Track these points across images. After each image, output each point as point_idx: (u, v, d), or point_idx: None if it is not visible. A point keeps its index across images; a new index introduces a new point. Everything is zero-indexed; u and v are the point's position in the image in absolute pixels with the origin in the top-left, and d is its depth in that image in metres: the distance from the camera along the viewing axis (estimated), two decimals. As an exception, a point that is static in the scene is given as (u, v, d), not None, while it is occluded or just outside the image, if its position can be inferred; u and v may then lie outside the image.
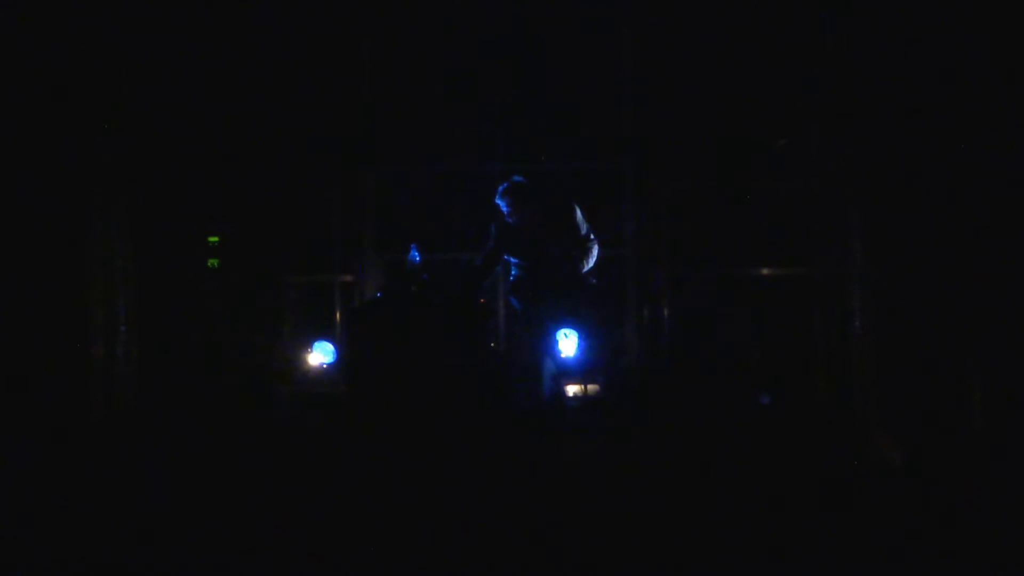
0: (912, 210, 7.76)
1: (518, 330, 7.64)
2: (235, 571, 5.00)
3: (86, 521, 5.62)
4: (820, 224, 8.38)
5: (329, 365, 8.16)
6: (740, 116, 8.50)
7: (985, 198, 7.42)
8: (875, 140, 7.92)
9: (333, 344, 8.22)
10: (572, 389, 7.60)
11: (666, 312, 8.59)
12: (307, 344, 8.28)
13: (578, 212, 7.37)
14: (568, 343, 7.33)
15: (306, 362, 8.26)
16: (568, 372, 7.47)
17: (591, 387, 7.66)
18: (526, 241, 7.36)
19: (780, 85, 8.45)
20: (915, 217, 7.75)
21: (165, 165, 8.21)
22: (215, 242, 8.69)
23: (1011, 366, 7.18)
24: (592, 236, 7.43)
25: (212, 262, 8.70)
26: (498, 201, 7.35)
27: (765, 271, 8.57)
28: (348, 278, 8.74)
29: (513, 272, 7.56)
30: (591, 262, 7.43)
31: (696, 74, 8.54)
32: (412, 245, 7.33)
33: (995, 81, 7.37)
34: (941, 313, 7.56)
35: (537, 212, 7.33)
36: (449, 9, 8.67)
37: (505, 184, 7.36)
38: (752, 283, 8.59)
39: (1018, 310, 7.23)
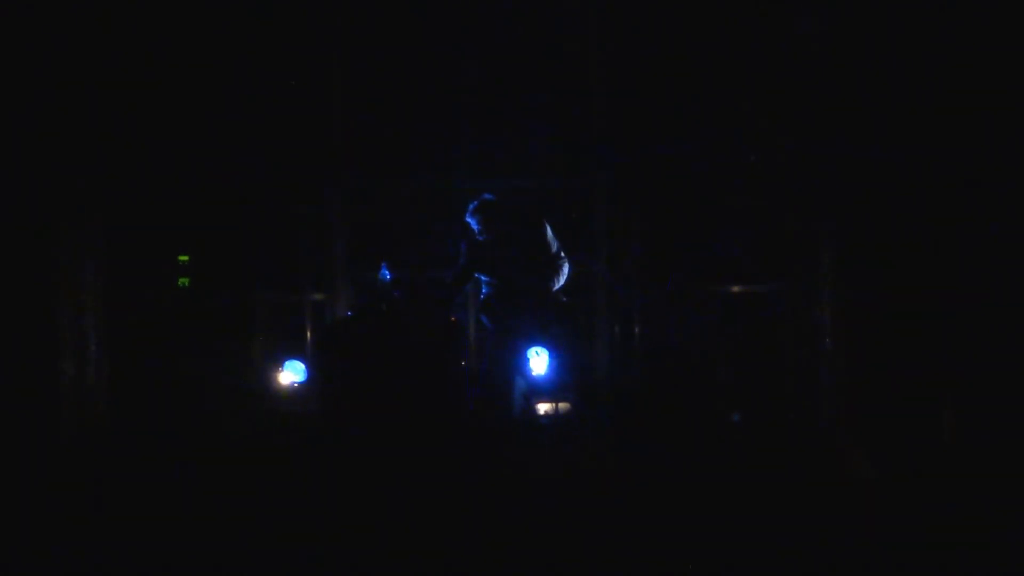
0: (882, 227, 7.80)
1: (489, 348, 7.64)
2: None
3: (55, 538, 5.59)
4: (790, 241, 8.40)
5: (300, 384, 8.13)
6: (710, 133, 8.52)
7: (956, 216, 7.47)
8: (845, 157, 7.96)
9: (304, 363, 8.19)
10: (543, 407, 7.59)
11: (637, 329, 8.60)
12: (278, 363, 8.24)
13: (548, 230, 7.38)
14: (539, 361, 7.35)
15: (277, 381, 8.23)
16: (539, 390, 7.48)
17: (562, 405, 7.65)
18: (497, 259, 7.37)
19: (750, 102, 8.47)
20: (885, 233, 7.79)
21: (135, 184, 8.18)
22: (185, 261, 8.66)
23: (981, 380, 7.22)
24: (562, 254, 7.44)
25: (182, 281, 8.67)
26: (468, 219, 7.36)
27: (736, 288, 8.59)
28: (319, 296, 8.72)
29: (484, 290, 7.56)
30: (562, 280, 7.44)
31: (666, 90, 8.56)
32: (382, 263, 7.33)
33: (966, 100, 7.43)
34: (911, 328, 7.60)
35: (507, 230, 7.34)
36: (419, 27, 8.66)
37: (475, 202, 7.37)
38: (723, 300, 8.61)
39: (988, 324, 7.27)
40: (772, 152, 8.49)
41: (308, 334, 8.70)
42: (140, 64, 8.09)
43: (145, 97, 8.13)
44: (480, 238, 7.36)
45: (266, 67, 8.51)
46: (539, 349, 7.33)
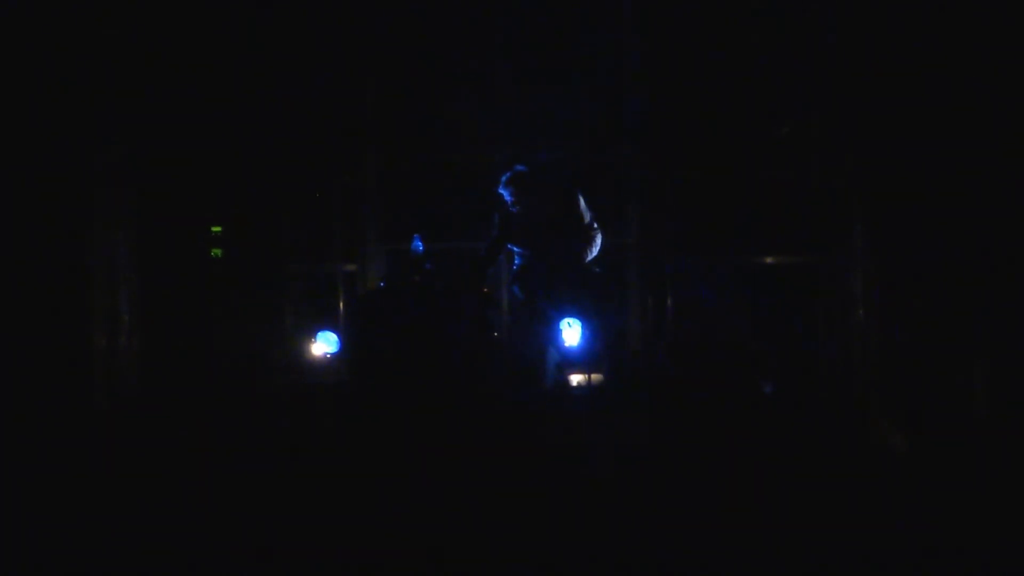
0: (914, 199, 7.77)
1: (521, 319, 7.64)
2: (238, 562, 5.00)
3: (88, 510, 5.63)
4: (822, 213, 8.38)
5: (333, 355, 8.16)
6: (742, 105, 8.49)
7: (987, 188, 7.43)
8: (877, 129, 7.93)
9: (337, 334, 8.21)
10: (575, 378, 7.60)
11: (669, 301, 8.59)
12: (311, 334, 8.27)
13: (581, 201, 7.37)
14: (571, 332, 7.34)
15: (310, 352, 8.26)
16: (571, 361, 7.48)
17: (595, 376, 7.65)
18: (529, 230, 7.37)
19: (782, 74, 8.44)
20: (917, 206, 7.76)
21: (168, 155, 8.18)
22: (218, 232, 8.68)
23: (1013, 354, 7.20)
24: (595, 225, 7.43)
25: (215, 252, 8.69)
26: (501, 190, 7.36)
27: (768, 260, 8.57)
28: (351, 267, 8.73)
29: (516, 261, 7.56)
30: (595, 251, 7.43)
31: (698, 63, 8.53)
32: (415, 235, 7.34)
33: (997, 74, 7.38)
34: (943, 301, 7.58)
35: (540, 201, 7.34)
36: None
37: (508, 173, 7.37)
38: (755, 272, 8.59)
39: (1020, 299, 7.24)
40: (804, 124, 8.47)
41: (341, 305, 8.71)
42: (178, 36, 8.09)
43: (180, 68, 8.13)
44: (513, 209, 7.36)
45: (300, 38, 8.50)
46: (572, 320, 7.32)
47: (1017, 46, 7.30)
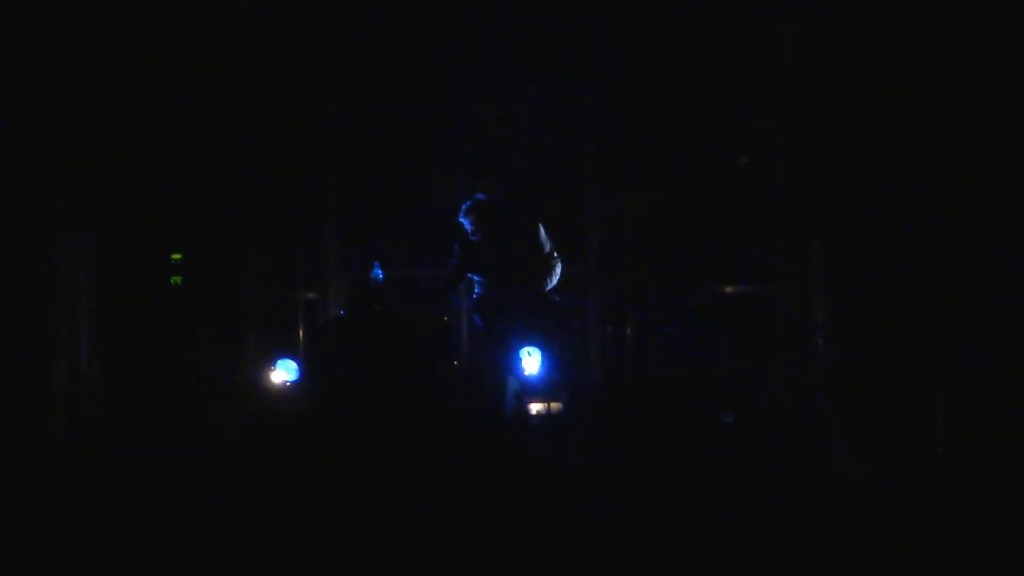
0: (875, 227, 7.81)
1: (481, 348, 7.64)
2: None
3: (47, 535, 5.59)
4: (782, 241, 8.42)
5: (292, 383, 8.13)
6: (703, 135, 8.54)
7: (948, 217, 7.48)
8: (837, 159, 7.97)
9: (296, 362, 8.19)
10: (535, 406, 7.60)
11: (629, 329, 8.61)
12: (270, 362, 8.24)
13: (542, 230, 7.37)
14: (531, 361, 7.34)
15: (269, 380, 8.23)
16: (531, 390, 7.48)
17: (554, 404, 7.66)
18: (490, 259, 7.36)
19: (741, 105, 8.48)
20: (877, 235, 7.80)
21: (129, 183, 8.17)
22: (178, 259, 8.65)
23: (974, 382, 7.23)
24: (555, 254, 7.44)
25: (175, 280, 8.66)
26: (462, 219, 7.37)
27: (728, 288, 8.60)
28: (311, 295, 8.72)
29: (476, 290, 7.56)
30: (554, 280, 7.44)
31: (659, 93, 8.57)
32: (375, 263, 7.33)
33: (957, 103, 7.44)
34: (905, 329, 7.61)
35: (500, 230, 7.34)
36: (416, 24, 8.66)
37: (468, 202, 7.38)
38: (715, 300, 8.62)
39: (982, 327, 7.28)
40: (763, 154, 8.51)
41: (301, 333, 8.70)
42: (132, 65, 8.08)
43: (136, 97, 8.13)
44: (473, 238, 7.36)
45: (259, 67, 8.50)
46: (531, 349, 7.32)
47: (976, 75, 7.37)
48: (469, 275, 7.49)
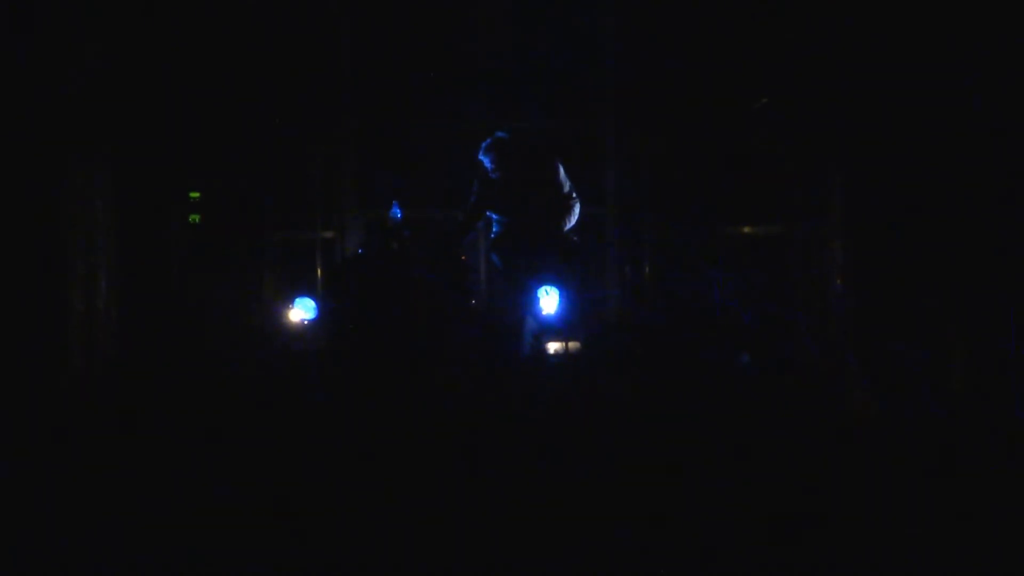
0: (893, 169, 7.77)
1: (499, 287, 7.64)
2: (217, 529, 5.00)
3: (65, 475, 5.63)
4: (801, 183, 8.39)
5: (310, 322, 8.13)
6: (721, 75, 8.48)
7: (969, 158, 7.43)
8: (857, 98, 7.92)
9: (314, 301, 8.19)
10: (553, 346, 7.61)
11: (647, 270, 8.60)
12: (288, 301, 8.24)
13: (561, 169, 7.35)
14: (549, 300, 7.34)
15: (287, 319, 8.23)
16: (549, 329, 7.49)
17: (572, 344, 7.67)
18: (509, 197, 7.35)
19: (760, 45, 8.42)
20: (896, 176, 7.76)
21: (146, 120, 8.15)
22: (196, 198, 8.65)
23: (991, 326, 7.22)
24: (574, 194, 7.42)
25: (193, 218, 8.67)
26: (481, 157, 7.34)
27: (746, 229, 8.58)
28: (329, 234, 8.73)
29: (495, 229, 7.55)
30: (573, 220, 7.43)
31: (677, 33, 8.52)
32: (393, 202, 7.32)
33: (981, 48, 7.38)
34: (922, 272, 7.59)
35: (521, 168, 7.32)
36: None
37: (488, 140, 7.35)
38: (733, 241, 8.60)
39: (999, 273, 7.26)
40: (782, 93, 8.45)
41: (319, 272, 8.70)
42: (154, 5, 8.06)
43: (157, 31, 8.09)
44: (493, 176, 7.34)
45: (279, 5, 8.46)
46: (549, 288, 7.32)
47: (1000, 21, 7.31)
48: (488, 214, 7.48)
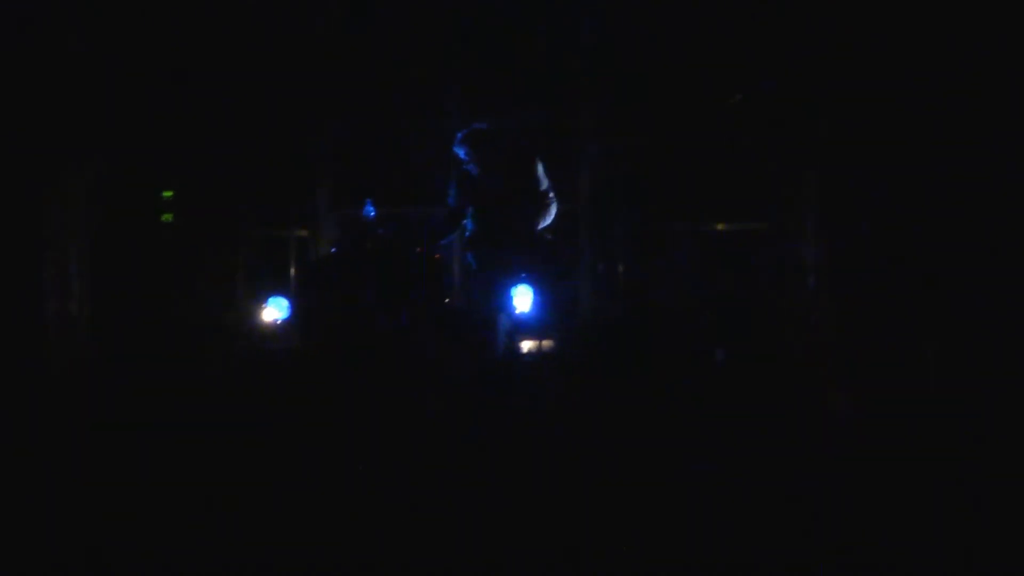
0: (867, 166, 7.79)
1: (473, 285, 7.61)
2: (191, 523, 4.99)
3: (39, 475, 5.60)
4: (776, 179, 8.40)
5: (284, 321, 8.11)
6: (697, 72, 8.49)
7: (942, 155, 7.45)
8: (832, 97, 7.94)
9: (288, 300, 8.17)
10: (527, 345, 7.60)
11: (621, 268, 8.60)
12: (262, 299, 8.22)
13: (540, 166, 7.29)
14: (523, 299, 7.32)
15: (261, 317, 8.21)
16: (523, 328, 7.47)
17: (546, 343, 7.66)
18: (485, 191, 7.29)
19: (736, 42, 8.43)
20: (870, 173, 7.78)
21: (120, 120, 8.12)
22: (169, 196, 8.63)
23: (965, 324, 7.24)
24: (551, 193, 7.38)
25: (166, 217, 8.64)
26: (457, 148, 7.25)
27: (721, 226, 8.59)
28: (303, 233, 8.72)
29: (469, 227, 7.51)
30: (549, 219, 7.38)
31: (652, 29, 8.52)
32: (367, 200, 7.29)
33: (956, 47, 7.41)
34: (897, 270, 7.61)
35: (498, 161, 7.26)
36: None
37: (464, 130, 7.27)
38: (709, 238, 8.62)
39: (975, 270, 7.28)
40: (758, 90, 8.47)
41: (292, 270, 8.69)
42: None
43: (128, 32, 8.06)
44: (469, 168, 7.28)
45: (255, 6, 8.43)
46: (523, 287, 7.30)
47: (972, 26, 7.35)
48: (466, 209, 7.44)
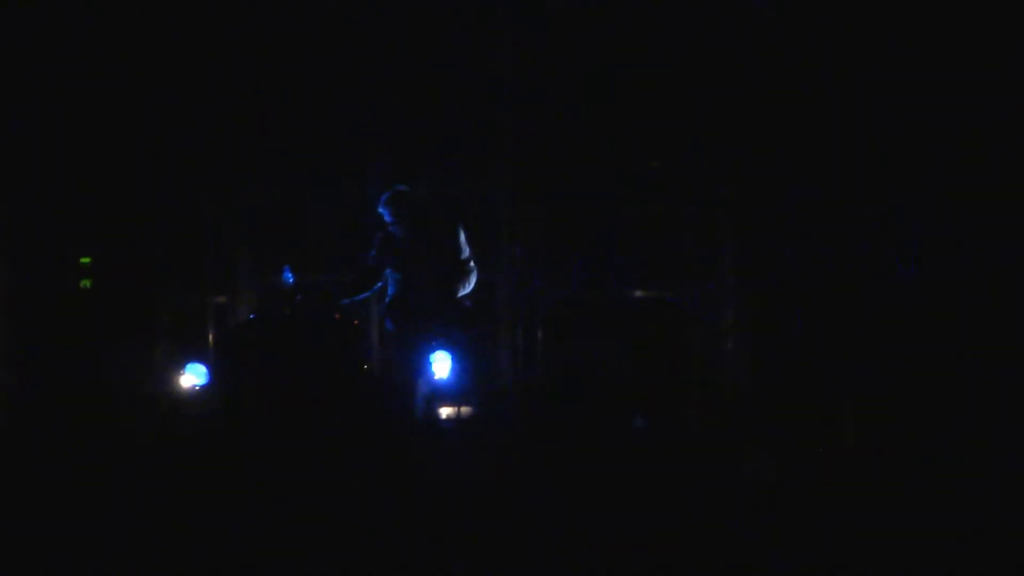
0: (784, 231, 7.89)
1: (392, 351, 7.60)
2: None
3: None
4: (694, 246, 8.48)
5: (201, 387, 8.05)
6: (614, 140, 8.58)
7: (858, 220, 7.57)
8: (749, 163, 8.05)
9: (206, 366, 8.11)
10: (445, 411, 7.59)
11: (540, 334, 8.62)
12: (180, 366, 8.16)
13: (461, 233, 7.32)
14: (442, 365, 7.32)
15: (179, 384, 8.14)
16: (442, 394, 7.46)
17: (464, 409, 7.66)
18: (405, 255, 7.30)
19: (652, 112, 8.52)
20: (787, 238, 7.88)
21: (38, 184, 8.09)
22: (87, 263, 8.56)
23: (883, 383, 7.32)
24: (472, 262, 7.40)
25: (84, 282, 8.58)
26: (381, 209, 7.26)
27: (639, 293, 8.64)
28: (221, 299, 8.68)
29: (389, 291, 7.52)
30: (469, 287, 7.41)
31: (572, 100, 8.60)
32: (285, 267, 7.28)
33: (866, 107, 7.55)
34: (814, 333, 7.68)
35: (421, 223, 7.28)
36: (326, 26, 8.61)
37: (389, 191, 7.30)
38: (626, 305, 8.66)
39: (892, 330, 7.37)
40: (675, 159, 8.57)
41: (210, 337, 8.64)
42: (45, 59, 8.01)
43: (48, 100, 8.05)
44: (392, 230, 7.28)
45: (168, 71, 8.41)
46: (442, 353, 7.31)
47: (889, 86, 7.49)
48: (386, 270, 7.43)
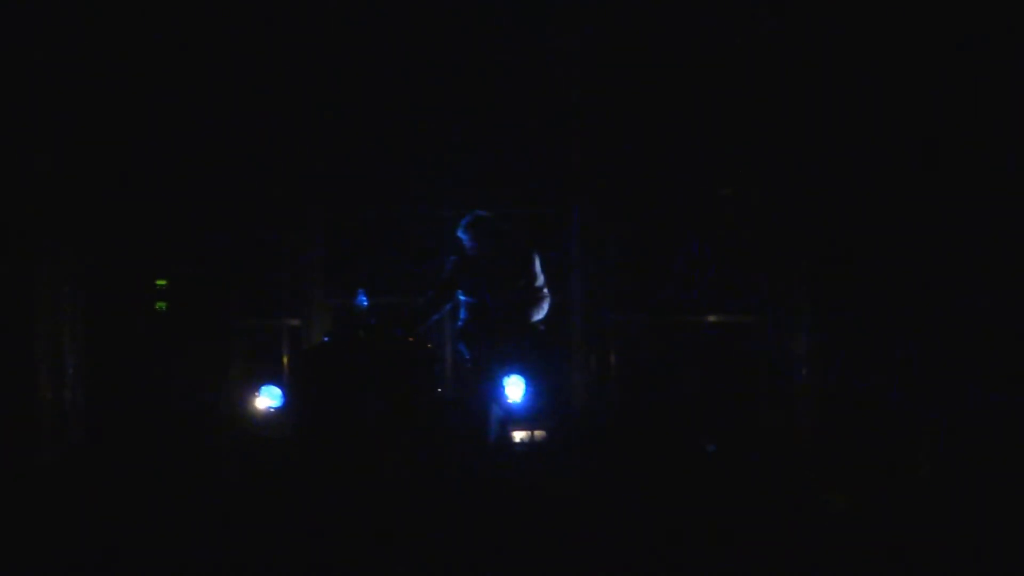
0: (858, 258, 7.84)
1: (466, 375, 7.64)
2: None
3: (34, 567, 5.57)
4: (767, 272, 8.44)
5: (276, 410, 8.09)
6: (687, 163, 8.57)
7: (931, 248, 7.51)
8: (822, 190, 8.01)
9: (280, 388, 8.15)
10: (519, 435, 7.60)
11: (613, 358, 8.62)
12: (254, 388, 8.21)
13: (537, 261, 7.40)
14: (515, 389, 7.33)
15: (253, 406, 8.19)
16: (515, 418, 7.47)
17: (538, 433, 7.66)
18: (481, 279, 7.36)
19: (725, 134, 8.51)
20: (861, 265, 7.83)
21: (114, 208, 8.19)
22: (163, 285, 8.65)
23: (959, 413, 7.24)
24: (545, 289, 7.45)
25: (160, 305, 8.66)
26: (460, 234, 7.38)
27: (712, 318, 8.62)
28: (295, 322, 8.74)
29: (462, 316, 7.56)
30: (542, 314, 7.46)
31: (644, 122, 8.60)
32: (359, 290, 7.33)
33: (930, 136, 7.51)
34: (887, 362, 7.62)
35: (498, 250, 7.35)
36: (401, 55, 8.67)
37: (469, 216, 7.39)
38: (699, 330, 8.64)
39: (964, 359, 7.30)
40: (747, 185, 8.55)
41: (284, 359, 8.69)
42: (119, 83, 8.12)
43: (123, 121, 8.15)
44: (470, 253, 7.36)
45: (248, 93, 8.50)
46: (516, 377, 7.32)
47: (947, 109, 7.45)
48: (458, 295, 7.48)
